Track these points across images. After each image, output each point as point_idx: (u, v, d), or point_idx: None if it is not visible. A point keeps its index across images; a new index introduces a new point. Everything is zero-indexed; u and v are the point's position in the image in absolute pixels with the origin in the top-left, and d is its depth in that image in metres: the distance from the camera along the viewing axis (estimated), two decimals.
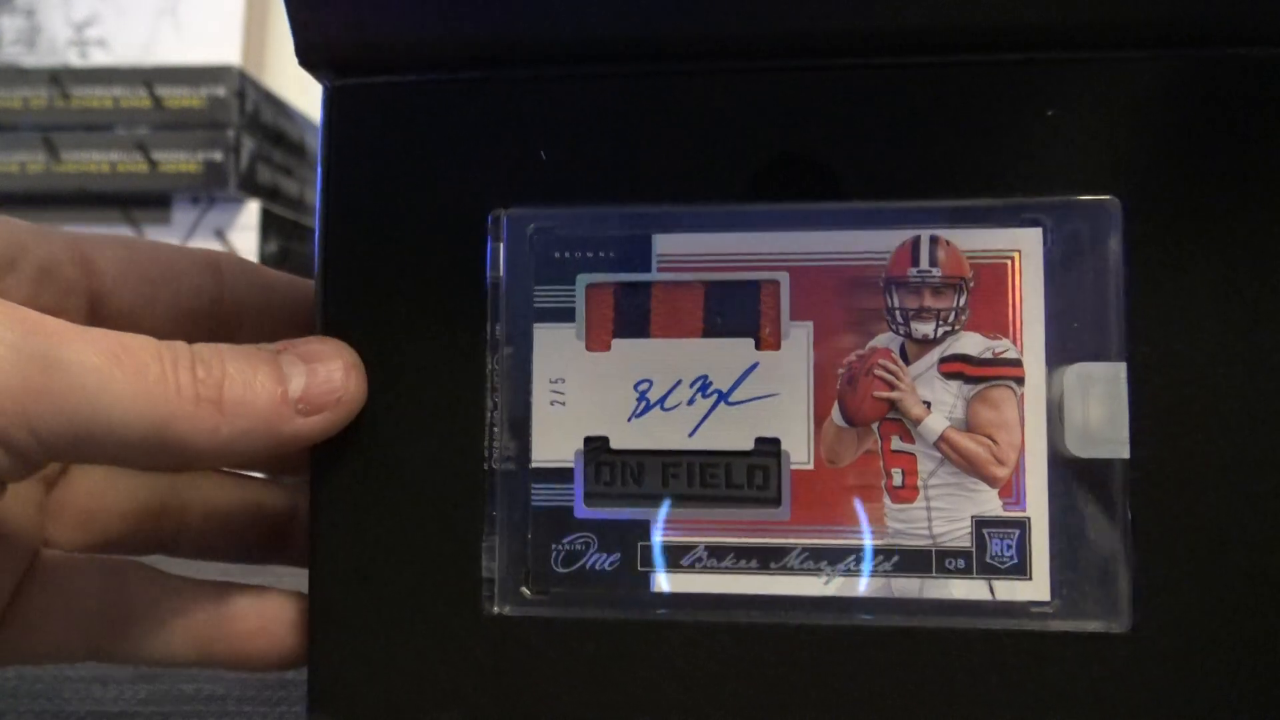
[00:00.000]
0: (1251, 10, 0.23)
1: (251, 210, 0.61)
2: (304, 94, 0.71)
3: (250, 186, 0.60)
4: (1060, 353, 0.24)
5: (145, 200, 0.60)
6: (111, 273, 0.25)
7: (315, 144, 0.72)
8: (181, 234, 0.59)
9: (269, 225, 0.62)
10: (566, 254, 0.26)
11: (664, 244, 0.25)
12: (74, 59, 0.71)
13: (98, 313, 0.24)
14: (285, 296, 0.28)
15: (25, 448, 0.20)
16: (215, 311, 0.26)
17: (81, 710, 0.29)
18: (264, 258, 0.62)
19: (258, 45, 0.74)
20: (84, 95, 0.60)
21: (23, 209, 0.58)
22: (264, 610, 0.26)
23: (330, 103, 0.25)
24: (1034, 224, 0.24)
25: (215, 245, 0.60)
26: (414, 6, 0.25)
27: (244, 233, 0.61)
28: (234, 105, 0.59)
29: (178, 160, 0.59)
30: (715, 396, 0.25)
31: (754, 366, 0.25)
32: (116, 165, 0.59)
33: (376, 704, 0.24)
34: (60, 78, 0.60)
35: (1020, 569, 0.23)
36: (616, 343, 0.25)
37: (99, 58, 0.72)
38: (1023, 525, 0.24)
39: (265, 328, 0.27)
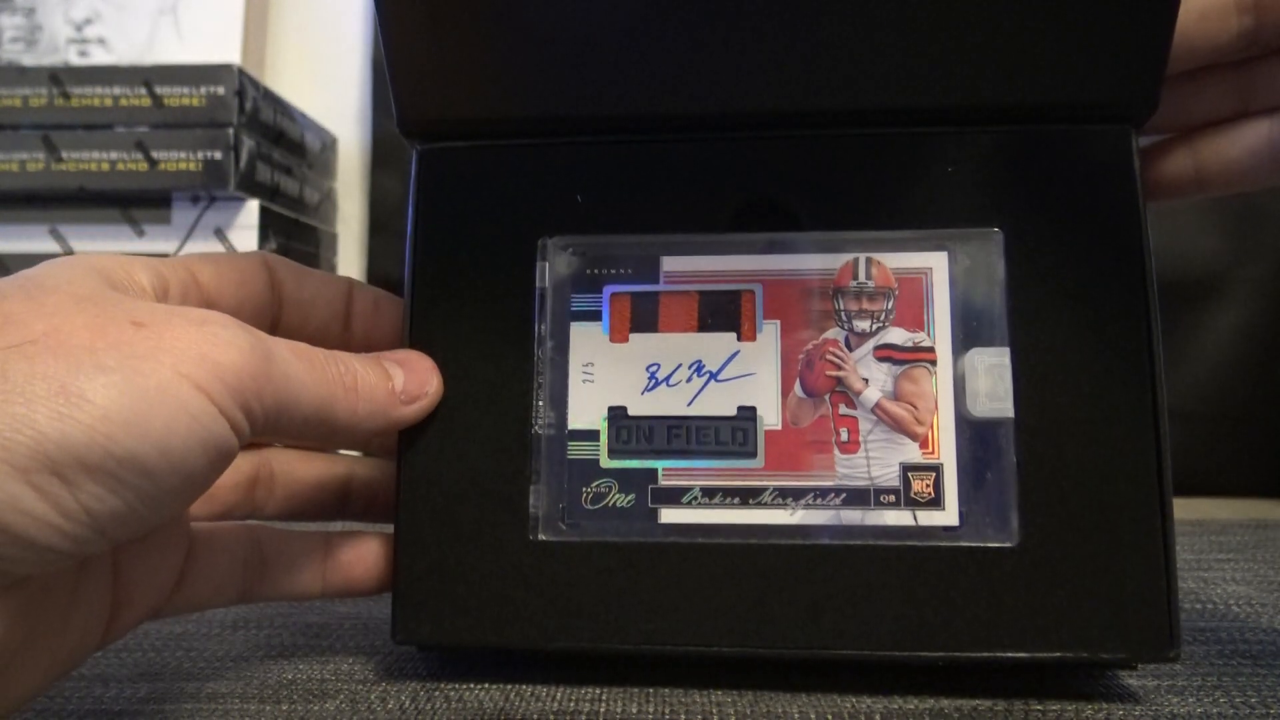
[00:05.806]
0: (1081, 101, 0.28)
1: (251, 209, 0.59)
2: (304, 94, 0.70)
3: (250, 186, 0.58)
4: (962, 341, 0.28)
5: (145, 199, 0.58)
6: (212, 286, 0.27)
7: (315, 143, 0.69)
8: (181, 233, 0.58)
9: (269, 224, 0.60)
10: (596, 270, 0.30)
11: (669, 263, 0.30)
12: (74, 58, 0.68)
13: None
14: (318, 285, 0.30)
15: (255, 419, 0.23)
16: (271, 304, 0.29)
17: (81, 710, 0.28)
18: None
19: (258, 45, 0.71)
20: (84, 94, 0.58)
21: (23, 208, 0.57)
22: (360, 548, 0.30)
23: (420, 162, 0.30)
24: (941, 249, 0.29)
25: (215, 244, 0.58)
26: (488, 95, 0.29)
27: (244, 232, 0.59)
28: (234, 105, 0.57)
29: (177, 159, 0.57)
30: (707, 376, 0.29)
31: (736, 353, 0.29)
32: (116, 164, 0.57)
33: (449, 609, 0.28)
34: (60, 77, 0.57)
35: (936, 502, 0.28)
36: (633, 336, 0.29)
37: (99, 57, 0.68)
38: (938, 469, 0.28)
39: (301, 313, 0.30)
